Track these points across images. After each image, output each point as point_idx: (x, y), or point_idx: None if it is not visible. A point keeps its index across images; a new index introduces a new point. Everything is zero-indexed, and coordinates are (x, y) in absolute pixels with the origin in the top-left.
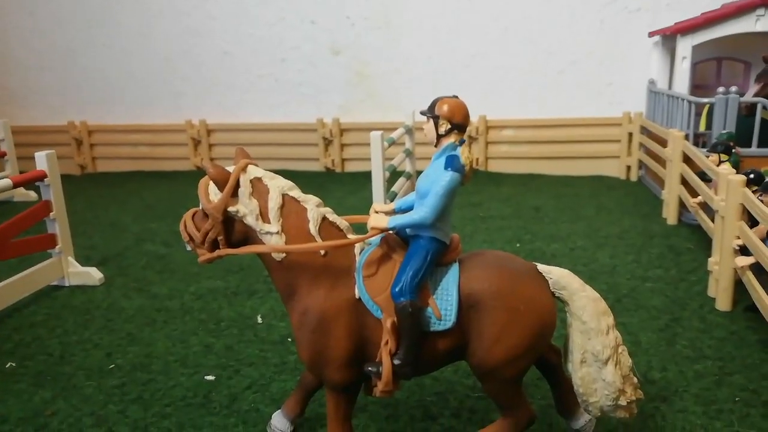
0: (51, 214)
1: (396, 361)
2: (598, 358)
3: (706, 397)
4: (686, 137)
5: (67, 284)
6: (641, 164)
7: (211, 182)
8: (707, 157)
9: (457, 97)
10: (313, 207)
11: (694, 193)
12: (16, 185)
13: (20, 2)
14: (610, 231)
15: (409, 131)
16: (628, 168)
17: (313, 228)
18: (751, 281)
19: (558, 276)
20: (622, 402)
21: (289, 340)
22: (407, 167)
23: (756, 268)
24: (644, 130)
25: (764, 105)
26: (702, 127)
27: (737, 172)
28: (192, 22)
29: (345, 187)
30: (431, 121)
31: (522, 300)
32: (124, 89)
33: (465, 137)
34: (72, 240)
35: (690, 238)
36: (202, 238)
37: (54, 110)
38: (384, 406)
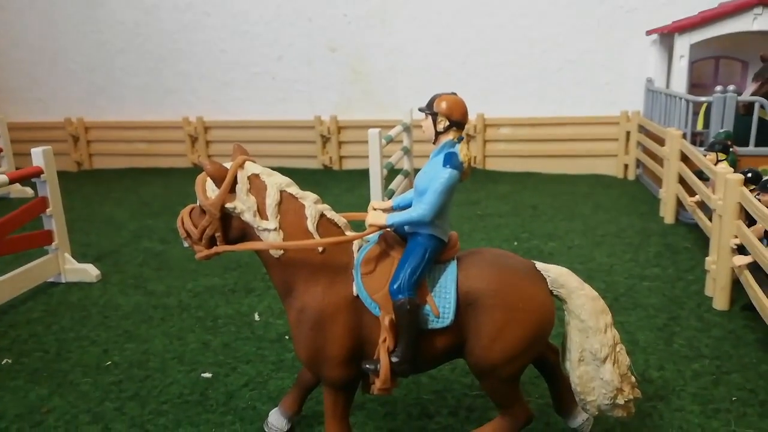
0: (47, 210)
1: (394, 359)
2: (596, 356)
3: (703, 396)
4: (684, 136)
5: (63, 281)
6: (639, 163)
7: (208, 179)
8: (705, 155)
9: (455, 94)
10: (311, 204)
11: (691, 192)
12: (12, 181)
13: None
14: (607, 229)
15: (407, 129)
16: (626, 166)
17: (311, 225)
18: (749, 280)
19: (556, 274)
20: (620, 401)
21: (287, 337)
22: (405, 165)
23: (753, 267)
24: (642, 129)
25: (762, 104)
26: (699, 126)
27: (735, 171)
28: (188, 19)
29: (342, 185)
30: (429, 118)
31: (520, 298)
32: (121, 86)
33: (463, 134)
34: (68, 237)
35: (687, 237)
36: (199, 234)
37: (50, 107)
38: (381, 404)
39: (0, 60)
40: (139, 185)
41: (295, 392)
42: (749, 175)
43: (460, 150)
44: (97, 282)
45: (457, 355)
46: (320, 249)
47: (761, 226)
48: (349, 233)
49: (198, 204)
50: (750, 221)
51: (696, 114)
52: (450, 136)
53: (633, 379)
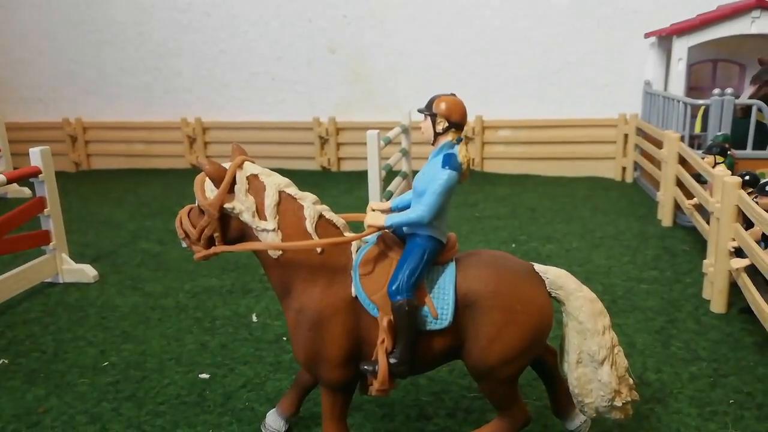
0: (45, 210)
1: (392, 360)
2: (594, 358)
3: (700, 399)
4: (682, 139)
5: (61, 281)
6: (636, 166)
7: (207, 179)
8: (703, 158)
9: (454, 95)
10: (309, 204)
11: (689, 195)
12: (10, 181)
13: None
14: (605, 232)
15: (406, 131)
16: (624, 169)
17: (309, 225)
18: (746, 283)
19: (555, 276)
20: (618, 403)
21: (284, 338)
22: (403, 167)
23: (751, 270)
24: (640, 132)
25: (759, 107)
26: (697, 129)
27: (732, 174)
28: (188, 20)
29: (341, 186)
30: (429, 119)
31: (519, 300)
32: (120, 86)
33: (462, 136)
34: (66, 237)
35: (685, 239)
36: (197, 234)
37: (48, 107)
38: (379, 406)
39: None
40: (137, 186)
41: (293, 393)
42: (747, 178)
43: (459, 151)
44: (94, 282)
45: (455, 356)
46: (319, 250)
47: (759, 229)
48: (348, 234)
49: (196, 204)
50: (747, 224)
51: (694, 117)
52: (449, 138)
53: (631, 381)
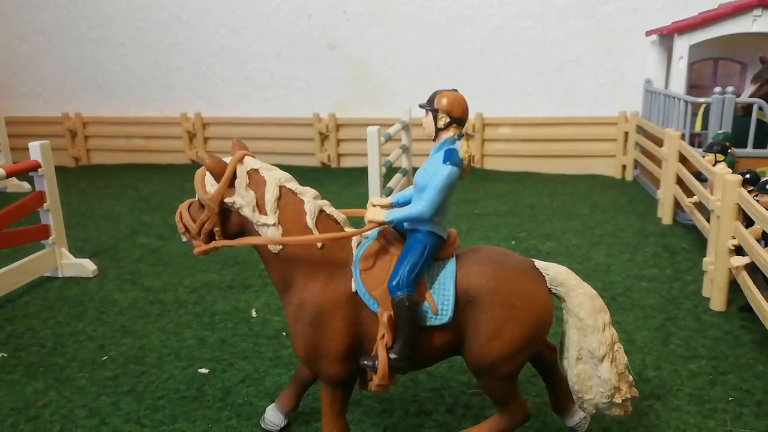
0: (45, 204)
1: (392, 356)
2: (594, 355)
3: (700, 396)
4: (682, 137)
5: (60, 275)
6: (636, 163)
7: (207, 173)
8: (703, 156)
9: (456, 90)
10: (310, 199)
11: (689, 193)
12: (9, 175)
13: None
14: (605, 230)
15: (406, 127)
16: (624, 167)
17: (310, 220)
18: (746, 281)
19: (555, 272)
20: (617, 400)
21: (284, 334)
22: (403, 163)
23: (751, 268)
24: (640, 130)
25: (760, 105)
26: (698, 127)
27: (733, 172)
28: (188, 15)
29: (341, 183)
30: (430, 115)
31: (519, 296)
32: (120, 81)
33: (464, 131)
34: (66, 231)
35: (685, 237)
36: (198, 229)
37: (48, 101)
38: (379, 401)
39: None
40: (137, 181)
41: (293, 388)
42: (747, 176)
43: (461, 147)
44: (94, 277)
45: (455, 352)
46: (319, 245)
47: (759, 227)
48: (348, 229)
49: (197, 199)
50: (748, 222)
51: (694, 115)
52: (450, 133)
53: (630, 378)
